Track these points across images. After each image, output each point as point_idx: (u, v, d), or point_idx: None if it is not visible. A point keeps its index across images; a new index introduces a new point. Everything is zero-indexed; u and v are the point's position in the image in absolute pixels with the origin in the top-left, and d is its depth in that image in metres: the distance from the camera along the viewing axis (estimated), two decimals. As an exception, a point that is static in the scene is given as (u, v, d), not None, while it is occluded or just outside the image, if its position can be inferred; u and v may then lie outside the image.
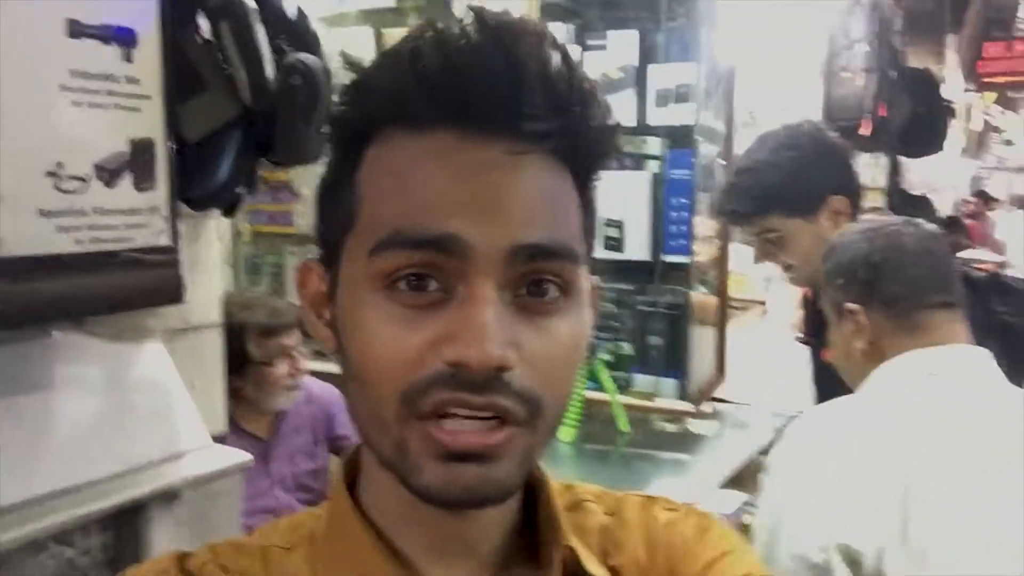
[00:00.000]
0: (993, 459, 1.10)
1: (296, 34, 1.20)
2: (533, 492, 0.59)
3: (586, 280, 0.53)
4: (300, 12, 1.23)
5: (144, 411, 1.25)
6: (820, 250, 1.60)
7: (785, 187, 1.62)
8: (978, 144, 12.08)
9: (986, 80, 8.77)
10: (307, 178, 2.69)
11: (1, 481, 1.05)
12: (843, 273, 1.27)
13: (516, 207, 0.49)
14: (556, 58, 0.48)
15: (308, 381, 2.17)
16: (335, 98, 0.54)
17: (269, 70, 1.12)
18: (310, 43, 1.23)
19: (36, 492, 1.08)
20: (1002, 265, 1.71)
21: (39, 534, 1.07)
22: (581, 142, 0.51)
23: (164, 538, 1.19)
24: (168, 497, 1.18)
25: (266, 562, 0.55)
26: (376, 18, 2.60)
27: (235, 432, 1.86)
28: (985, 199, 10.03)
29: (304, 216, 2.76)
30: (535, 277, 0.50)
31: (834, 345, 1.34)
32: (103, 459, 1.17)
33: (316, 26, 1.27)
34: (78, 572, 1.14)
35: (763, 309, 4.14)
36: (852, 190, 1.66)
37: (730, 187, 1.72)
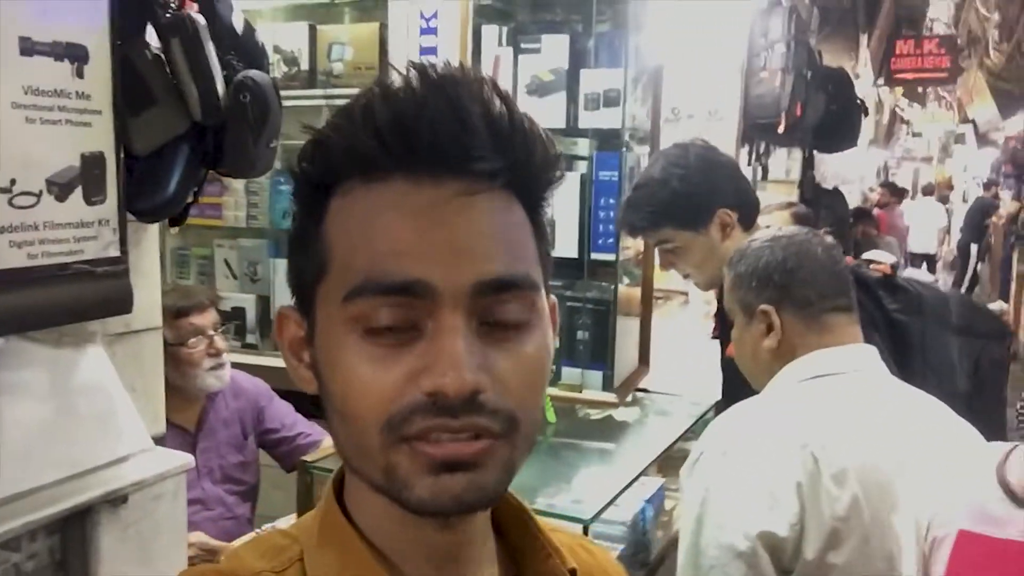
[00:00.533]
0: (889, 442, 1.22)
1: (244, 49, 1.23)
2: (503, 520, 0.64)
3: (545, 301, 0.58)
4: (247, 26, 1.26)
5: (88, 415, 1.27)
6: (713, 259, 1.72)
7: (674, 203, 1.75)
8: (886, 136, 12.58)
9: (897, 76, 9.16)
10: (238, 170, 2.67)
11: (-53, 489, 1.07)
12: (757, 277, 1.35)
13: (475, 245, 0.53)
14: (496, 102, 0.53)
15: (237, 375, 2.19)
16: (297, 157, 0.57)
17: (219, 86, 1.15)
18: (258, 57, 1.25)
19: (-18, 499, 1.10)
20: (895, 266, 1.85)
21: (-14, 540, 1.08)
22: (528, 175, 0.56)
23: (111, 541, 1.22)
24: (114, 501, 1.21)
25: None
26: (311, 13, 2.59)
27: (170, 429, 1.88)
28: (892, 189, 10.48)
29: (233, 208, 2.75)
30: (501, 308, 0.54)
31: (740, 344, 1.42)
32: (49, 465, 1.18)
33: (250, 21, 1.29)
34: None
35: (685, 299, 4.27)
36: (740, 203, 1.78)
37: (627, 201, 1.84)
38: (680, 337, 3.62)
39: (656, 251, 1.83)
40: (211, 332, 2.05)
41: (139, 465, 1.27)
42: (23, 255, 1.02)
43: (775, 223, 2.40)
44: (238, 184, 2.66)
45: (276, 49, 2.54)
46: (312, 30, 2.56)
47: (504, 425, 0.53)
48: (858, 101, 5.04)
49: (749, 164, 5.26)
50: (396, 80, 0.53)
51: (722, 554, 1.17)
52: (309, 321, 0.58)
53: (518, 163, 0.54)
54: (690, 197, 1.74)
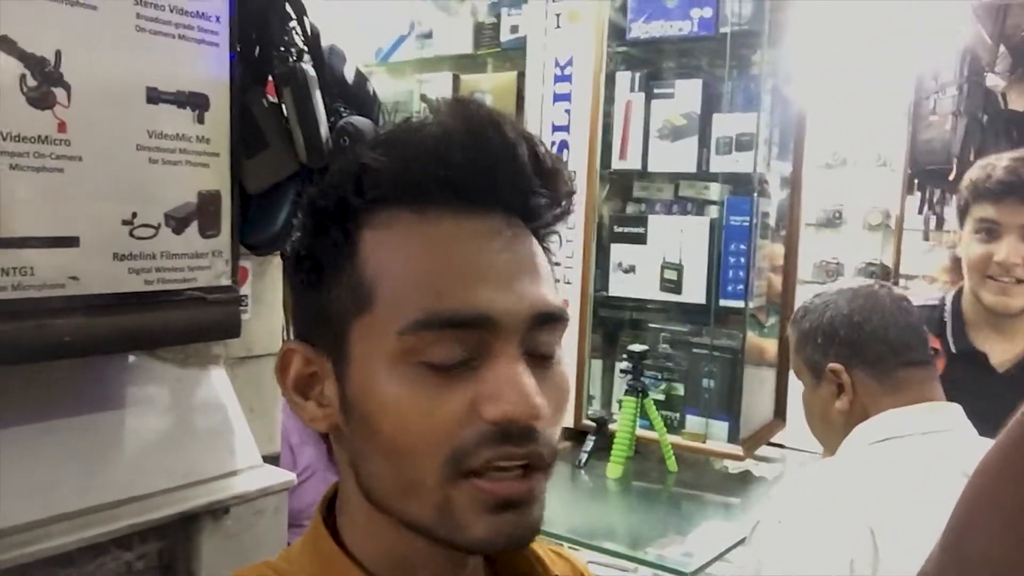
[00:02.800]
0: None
1: (354, 97, 1.32)
2: None
3: None
4: (359, 76, 1.36)
5: (203, 431, 1.38)
6: None
7: None
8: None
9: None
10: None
11: (73, 487, 1.19)
12: (823, 332, 1.28)
13: (527, 279, 0.54)
14: (538, 143, 0.55)
15: None
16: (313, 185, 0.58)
17: (324, 131, 1.24)
18: (366, 104, 1.35)
19: (103, 499, 1.22)
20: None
21: (103, 538, 1.20)
22: (557, 213, 0.58)
23: (212, 549, 1.31)
24: (219, 511, 1.31)
25: None
26: (455, 63, 2.72)
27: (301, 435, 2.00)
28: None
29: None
30: (545, 339, 0.55)
31: (809, 407, 1.36)
32: (164, 473, 1.30)
33: (398, 74, 1.39)
34: (134, 575, 1.28)
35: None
36: None
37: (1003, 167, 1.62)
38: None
39: (971, 237, 1.64)
40: None
41: (245, 480, 1.37)
42: (140, 280, 1.14)
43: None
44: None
45: (423, 98, 2.68)
46: (456, 79, 2.68)
47: (551, 455, 0.54)
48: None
49: (920, 213, 4.97)
50: (442, 114, 0.54)
51: None
52: (336, 357, 0.56)
53: (556, 200, 0.57)
54: None
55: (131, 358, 1.30)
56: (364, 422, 0.54)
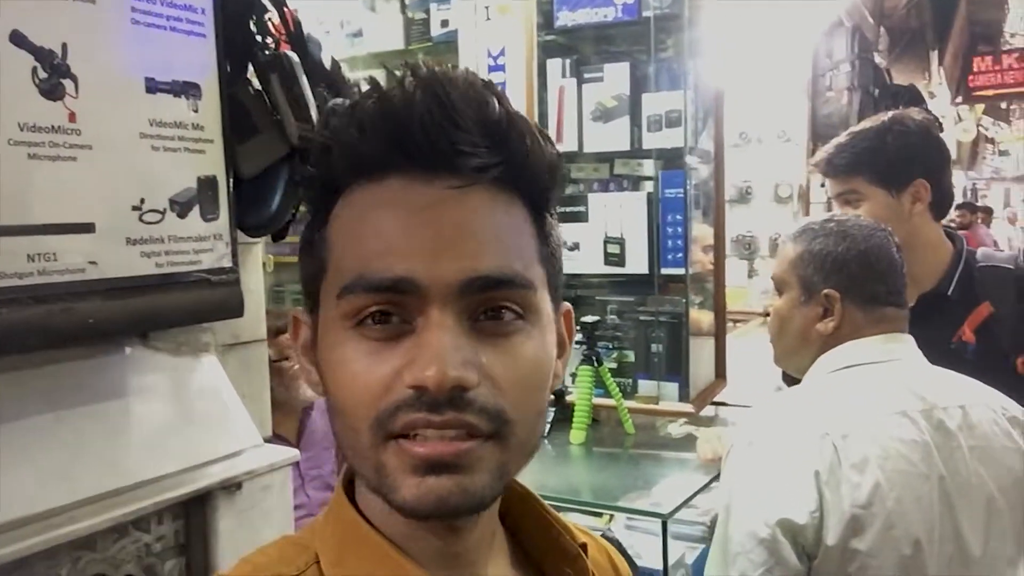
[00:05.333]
0: (916, 429, 1.24)
1: (333, 82, 1.38)
2: (507, 506, 0.65)
3: (547, 303, 0.58)
4: (335, 63, 1.42)
5: (205, 415, 1.42)
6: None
7: (882, 154, 1.74)
8: (971, 157, 12.24)
9: (976, 94, 8.94)
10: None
11: (88, 474, 1.22)
12: (832, 260, 1.33)
13: (465, 242, 0.53)
14: (491, 100, 0.53)
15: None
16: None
17: (313, 114, 1.30)
18: (344, 89, 1.41)
19: (121, 483, 1.25)
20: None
21: (121, 520, 1.23)
22: (525, 173, 0.56)
23: (227, 525, 1.35)
24: (230, 488, 1.35)
25: None
26: (387, 60, 2.78)
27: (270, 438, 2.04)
28: (971, 209, 10.18)
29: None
30: (492, 305, 0.54)
31: (785, 320, 1.41)
32: (174, 456, 1.33)
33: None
34: (154, 556, 1.31)
35: (763, 320, 4.29)
36: (941, 188, 1.78)
37: (834, 142, 1.85)
38: (760, 355, 3.65)
39: (837, 202, 1.84)
40: None
41: (251, 458, 1.41)
42: (152, 264, 1.18)
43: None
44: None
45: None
46: (389, 75, 2.73)
47: (493, 425, 0.52)
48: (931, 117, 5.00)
49: (823, 185, 5.26)
50: (387, 81, 0.55)
51: (746, 540, 1.20)
52: (314, 322, 0.59)
53: (512, 160, 0.54)
54: (899, 154, 1.73)
55: (128, 350, 1.33)
56: (325, 386, 0.57)
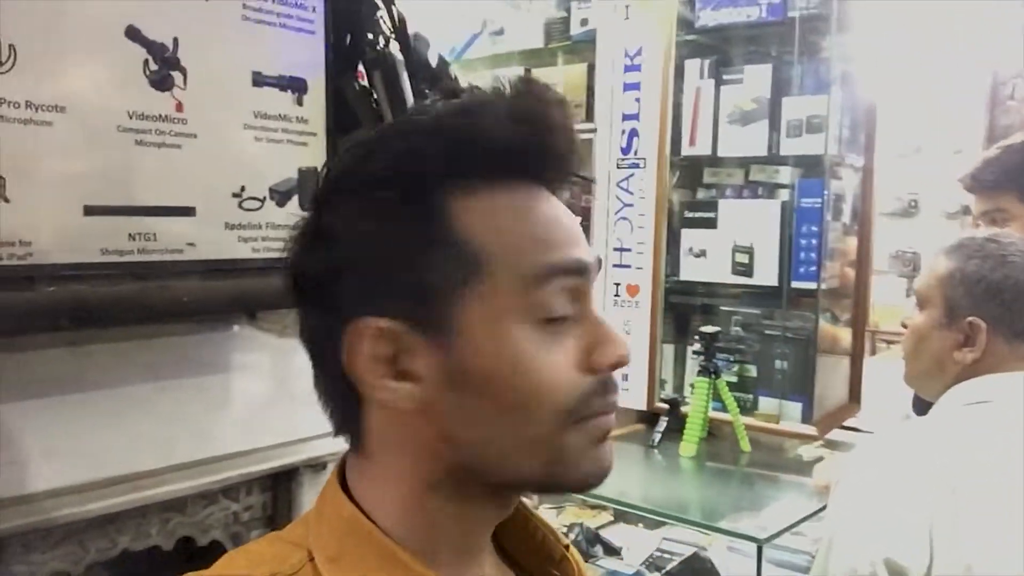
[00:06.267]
0: None
1: (438, 79, 1.41)
2: None
3: None
4: (441, 60, 1.44)
5: (301, 396, 1.47)
6: None
7: None
8: None
9: None
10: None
11: (186, 441, 1.30)
12: (986, 285, 1.22)
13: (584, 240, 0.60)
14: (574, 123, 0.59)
15: None
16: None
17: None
18: (448, 87, 1.43)
19: (214, 453, 1.32)
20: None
21: (214, 486, 1.30)
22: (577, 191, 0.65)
23: (311, 500, 1.41)
24: (316, 466, 1.40)
25: None
26: (526, 58, 2.80)
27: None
28: None
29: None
30: None
31: (921, 338, 1.30)
32: (267, 431, 1.40)
33: (471, 71, 1.48)
34: (240, 525, 1.38)
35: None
36: None
37: (983, 156, 1.75)
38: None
39: (983, 220, 1.73)
40: None
41: (339, 439, 1.46)
42: (248, 248, 1.24)
43: None
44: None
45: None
46: (527, 74, 2.76)
47: None
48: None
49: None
50: (507, 91, 0.56)
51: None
52: (436, 330, 0.54)
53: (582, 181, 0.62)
54: None
55: (235, 327, 1.41)
56: (482, 387, 0.54)
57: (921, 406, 1.73)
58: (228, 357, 1.41)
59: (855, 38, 2.45)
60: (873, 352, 3.76)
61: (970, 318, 1.22)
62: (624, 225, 2.56)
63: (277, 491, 1.39)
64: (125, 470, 1.19)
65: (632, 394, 2.53)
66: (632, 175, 2.53)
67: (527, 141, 0.55)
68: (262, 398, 1.43)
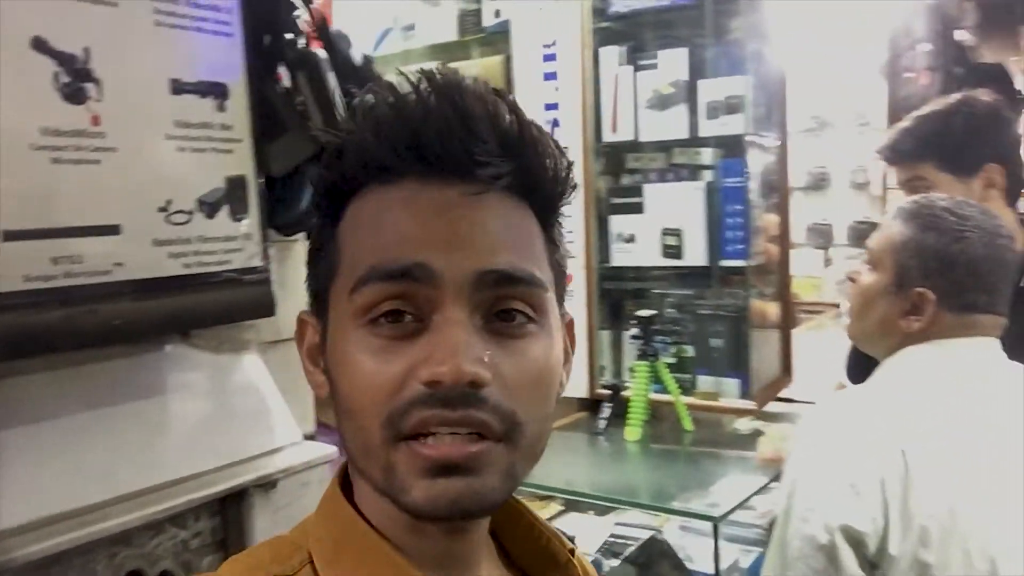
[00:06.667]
0: (996, 445, 1.16)
1: (363, 78, 1.37)
2: (499, 515, 0.64)
3: (555, 308, 0.58)
4: (365, 59, 1.40)
5: (244, 413, 1.43)
6: None
7: (948, 139, 1.66)
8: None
9: (1073, 70, 8.44)
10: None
11: (125, 472, 1.24)
12: (940, 259, 1.23)
13: (478, 239, 0.53)
14: (503, 109, 0.54)
15: None
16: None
17: (340, 111, 1.29)
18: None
19: (157, 480, 1.26)
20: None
21: (158, 516, 1.24)
22: (535, 182, 0.56)
23: (264, 523, 1.36)
24: (267, 486, 1.35)
25: None
26: (440, 52, 2.77)
27: (319, 428, 2.05)
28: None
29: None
30: (505, 305, 0.54)
31: (870, 305, 1.31)
32: (211, 453, 1.34)
33: (385, 66, 1.45)
34: (191, 552, 1.32)
35: (837, 312, 4.14)
36: (1012, 172, 1.67)
37: (900, 127, 1.77)
38: (833, 349, 3.52)
39: (905, 190, 1.74)
40: None
41: (289, 455, 1.41)
42: (180, 264, 1.18)
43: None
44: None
45: (398, 71, 2.72)
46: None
47: (505, 426, 0.52)
48: (1018, 96, 4.73)
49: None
50: (404, 86, 0.55)
51: (804, 545, 1.15)
52: (323, 324, 0.58)
53: (524, 169, 0.55)
54: (969, 137, 1.65)
55: (167, 347, 1.35)
56: (333, 386, 0.57)
57: (856, 374, 1.77)
58: (163, 379, 1.35)
59: (763, 18, 2.50)
60: (796, 324, 3.88)
61: (920, 288, 1.24)
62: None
63: (227, 515, 1.33)
64: (67, 506, 1.13)
65: (572, 382, 2.52)
66: (557, 165, 2.52)
67: (397, 138, 0.54)
68: (202, 419, 1.37)
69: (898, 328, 1.28)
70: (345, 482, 0.61)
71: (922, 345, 1.26)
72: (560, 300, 0.60)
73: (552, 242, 0.59)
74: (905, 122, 1.78)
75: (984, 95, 1.73)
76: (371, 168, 0.55)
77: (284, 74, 1.34)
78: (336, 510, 0.59)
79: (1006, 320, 1.28)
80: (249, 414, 1.43)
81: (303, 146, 1.32)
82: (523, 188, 0.56)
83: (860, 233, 4.40)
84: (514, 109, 0.55)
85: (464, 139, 0.53)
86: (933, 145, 1.69)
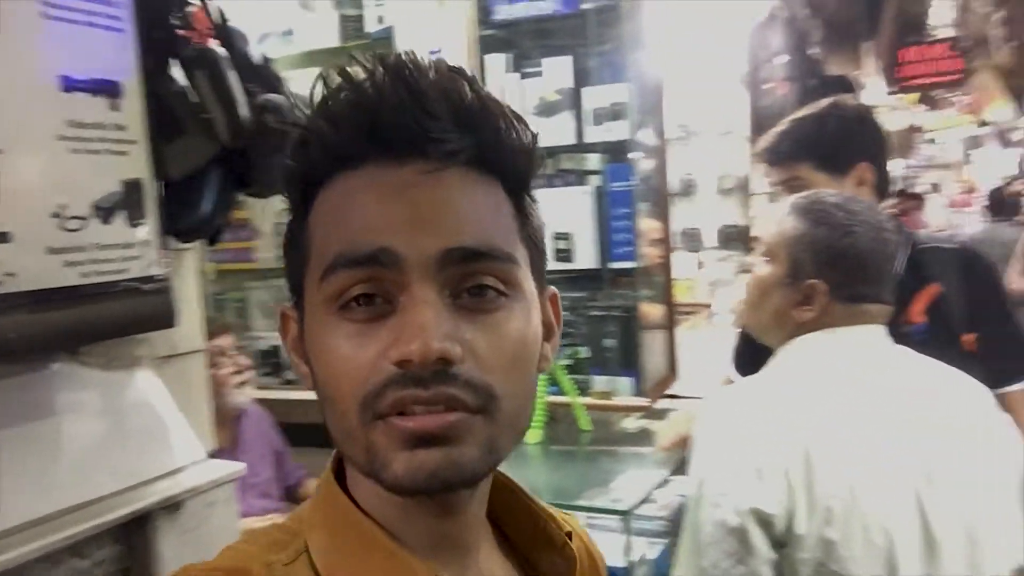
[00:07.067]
0: (887, 425, 1.21)
1: (263, 78, 1.32)
2: (497, 500, 0.64)
3: (529, 282, 0.58)
4: (265, 58, 1.36)
5: (141, 431, 1.34)
6: None
7: (823, 140, 1.73)
8: (904, 145, 12.48)
9: (908, 83, 9.13)
10: (267, 215, 2.79)
11: (15, 500, 1.14)
12: (832, 254, 1.28)
13: (442, 218, 0.53)
14: (461, 85, 0.54)
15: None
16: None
17: (244, 111, 1.24)
18: (275, 86, 1.35)
19: (48, 509, 1.17)
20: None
21: (54, 547, 1.15)
22: (499, 156, 0.56)
23: (170, 546, 1.29)
24: (171, 508, 1.28)
25: None
26: (322, 58, 2.72)
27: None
28: (908, 196, 10.37)
29: (265, 251, 2.86)
30: (474, 281, 0.54)
31: (764, 295, 1.36)
32: (109, 477, 1.26)
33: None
34: (92, 583, 1.23)
35: (709, 312, 4.31)
36: (881, 171, 1.76)
37: (777, 130, 1.83)
38: (711, 347, 3.66)
39: (783, 190, 1.79)
40: (232, 352, 2.18)
41: (193, 475, 1.34)
42: (76, 274, 1.11)
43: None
44: (267, 227, 2.77)
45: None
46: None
47: (480, 400, 0.52)
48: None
49: (765, 176, 5.30)
50: (357, 72, 0.54)
51: (716, 530, 1.18)
52: (300, 315, 0.59)
53: (486, 143, 0.55)
54: (840, 138, 1.73)
55: (55, 365, 1.26)
56: (314, 375, 0.57)
57: (744, 366, 1.84)
58: (53, 399, 1.25)
59: (641, 27, 2.58)
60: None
61: (812, 280, 1.29)
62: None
63: (131, 540, 1.25)
64: (-47, 542, 1.03)
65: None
66: (446, 172, 2.52)
67: (354, 124, 0.54)
68: (98, 440, 1.28)
69: (791, 318, 1.33)
70: (340, 470, 0.61)
71: (815, 334, 1.32)
72: (539, 274, 0.60)
73: (524, 216, 0.59)
74: (782, 125, 1.88)
75: (851, 99, 1.85)
76: (332, 157, 0.55)
77: (179, 74, 1.28)
78: (331, 497, 0.59)
79: (891, 308, 1.36)
80: (147, 433, 1.35)
81: (202, 148, 1.26)
82: (487, 163, 0.56)
83: (728, 236, 4.61)
84: (472, 84, 0.55)
85: (418, 118, 0.53)
86: (809, 146, 1.78)
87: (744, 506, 1.17)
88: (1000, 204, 4.80)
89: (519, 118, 0.57)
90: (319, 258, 0.55)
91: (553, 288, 0.64)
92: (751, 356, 1.77)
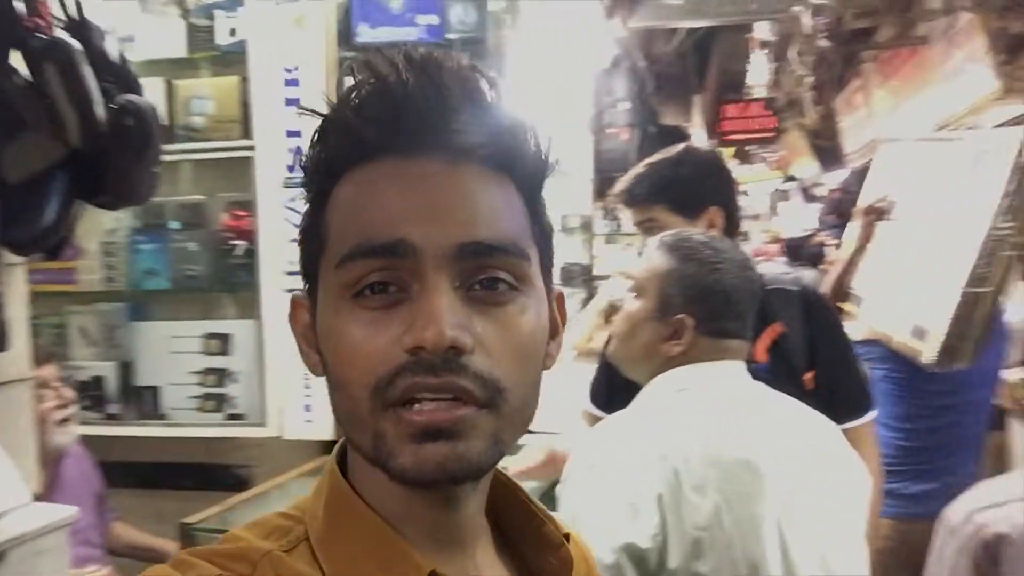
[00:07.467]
0: (753, 451, 1.24)
1: (121, 77, 1.20)
2: (495, 498, 0.65)
3: (539, 279, 0.60)
4: (123, 56, 1.23)
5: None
6: None
7: (678, 183, 1.81)
8: (721, 195, 13.27)
9: (727, 138, 9.79)
10: (93, 233, 2.55)
11: None
12: (699, 289, 1.32)
13: (459, 211, 0.55)
14: (482, 83, 0.57)
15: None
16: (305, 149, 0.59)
17: (99, 111, 1.11)
18: (134, 86, 1.23)
19: None
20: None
21: None
22: (514, 155, 0.59)
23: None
24: (23, 542, 1.11)
25: (277, 567, 0.56)
26: (167, 68, 2.54)
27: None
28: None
29: (88, 272, 2.61)
30: (487, 274, 0.55)
31: (635, 330, 1.38)
32: (-88, 525, 1.08)
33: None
34: None
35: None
36: (730, 215, 1.85)
37: (634, 172, 1.89)
38: (559, 382, 3.68)
39: (639, 229, 1.89)
40: (56, 383, 1.96)
41: (17, 521, 1.18)
42: None
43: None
44: (92, 245, 2.54)
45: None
46: (169, 85, 2.50)
47: (488, 392, 0.53)
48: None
49: (604, 218, 5.48)
50: (382, 65, 0.56)
51: None
52: (312, 303, 0.60)
53: (503, 142, 0.58)
54: (694, 183, 1.81)
55: None
56: (324, 361, 0.58)
57: (602, 401, 1.86)
58: None
59: (506, 62, 2.59)
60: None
61: (680, 315, 1.33)
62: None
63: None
64: None
65: (316, 425, 2.40)
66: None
67: (378, 116, 0.55)
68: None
69: (660, 352, 1.35)
70: (343, 459, 0.61)
71: (682, 368, 1.35)
72: (547, 274, 0.62)
73: (536, 216, 0.61)
74: (640, 167, 1.93)
75: (703, 146, 1.94)
76: (354, 147, 0.57)
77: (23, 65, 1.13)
78: (333, 486, 0.60)
79: (750, 344, 1.41)
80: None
81: (47, 149, 1.13)
82: (503, 162, 0.58)
83: (570, 273, 4.70)
84: (492, 84, 0.57)
85: (442, 112, 0.55)
86: (664, 189, 1.85)
87: (618, 542, 1.16)
88: (796, 252, 5.25)
89: (535, 123, 0.60)
90: (336, 246, 0.56)
91: (559, 288, 0.65)
92: (609, 390, 1.78)
